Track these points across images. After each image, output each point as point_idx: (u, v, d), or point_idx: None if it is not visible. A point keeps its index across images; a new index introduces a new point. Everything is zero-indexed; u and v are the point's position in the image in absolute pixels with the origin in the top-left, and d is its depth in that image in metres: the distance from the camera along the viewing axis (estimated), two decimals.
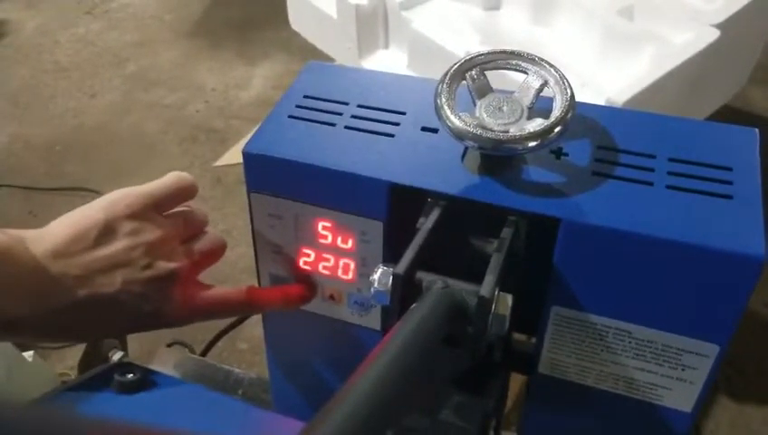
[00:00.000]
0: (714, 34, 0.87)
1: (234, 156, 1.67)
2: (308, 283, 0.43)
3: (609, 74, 0.88)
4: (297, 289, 0.43)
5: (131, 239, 0.36)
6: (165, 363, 0.66)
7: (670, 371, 0.36)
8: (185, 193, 0.40)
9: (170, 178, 0.40)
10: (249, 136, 0.40)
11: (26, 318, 0.33)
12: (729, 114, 1.16)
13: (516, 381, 0.44)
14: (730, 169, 0.35)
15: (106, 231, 0.36)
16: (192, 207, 0.42)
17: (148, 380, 0.36)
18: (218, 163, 1.67)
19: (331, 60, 1.26)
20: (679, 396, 0.36)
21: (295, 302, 0.43)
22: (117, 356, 0.86)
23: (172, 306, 0.38)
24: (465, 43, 0.91)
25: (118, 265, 0.35)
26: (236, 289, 0.41)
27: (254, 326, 0.47)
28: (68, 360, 1.21)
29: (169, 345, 0.97)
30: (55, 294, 0.34)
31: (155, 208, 0.38)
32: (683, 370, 0.35)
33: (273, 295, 0.42)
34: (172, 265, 0.37)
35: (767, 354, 1.22)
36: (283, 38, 1.98)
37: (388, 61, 1.06)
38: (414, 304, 0.30)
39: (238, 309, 0.42)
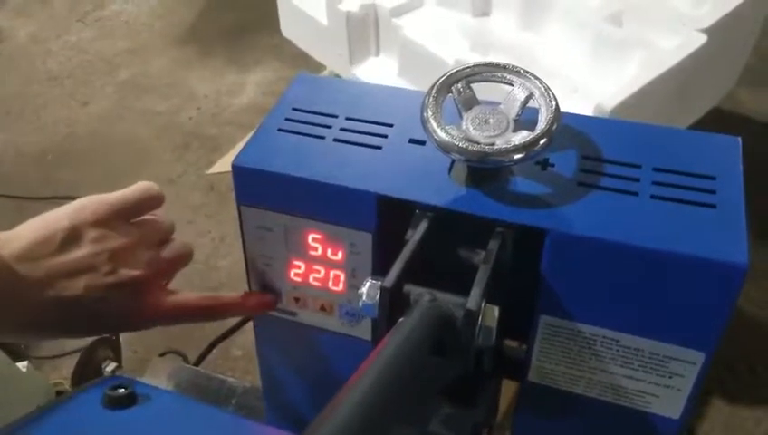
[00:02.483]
0: (702, 39, 0.88)
1: (227, 163, 1.66)
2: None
3: (598, 80, 0.88)
4: (258, 296, 0.44)
5: (96, 246, 0.37)
6: (158, 373, 0.66)
7: (657, 378, 0.36)
8: (151, 202, 0.41)
9: (138, 188, 0.41)
10: (242, 143, 0.40)
11: None
12: (718, 116, 1.17)
13: (509, 387, 0.44)
14: (713, 178, 0.36)
15: (71, 236, 0.37)
16: (158, 215, 0.43)
17: (139, 394, 0.36)
18: (212, 171, 1.67)
19: (323, 67, 1.26)
20: (667, 403, 0.37)
21: (256, 308, 0.44)
22: (110, 367, 0.87)
23: (135, 311, 0.39)
24: (455, 50, 0.92)
25: (81, 270, 0.36)
26: (200, 296, 0.42)
27: (248, 333, 0.48)
28: (62, 370, 1.21)
29: (162, 355, 0.98)
30: (19, 297, 0.35)
31: (121, 216, 0.39)
32: (670, 377, 0.36)
33: (234, 302, 0.44)
34: (135, 272, 0.38)
35: (759, 356, 1.23)
36: (274, 45, 1.99)
37: (379, 68, 1.06)
38: (402, 318, 0.30)
39: (200, 315, 0.42)
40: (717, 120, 1.11)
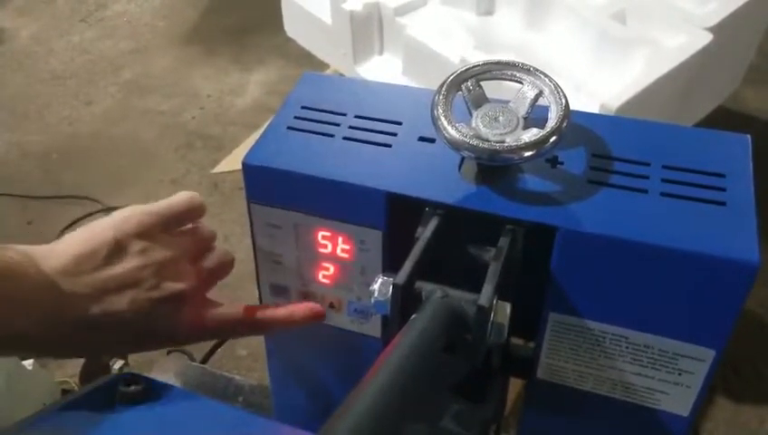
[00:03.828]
0: (707, 38, 0.88)
1: (231, 163, 1.67)
2: (316, 302, 0.43)
3: (603, 79, 0.88)
4: (308, 307, 0.42)
5: (141, 259, 0.36)
6: (165, 372, 0.66)
7: (667, 375, 0.36)
8: (194, 213, 0.40)
9: (180, 198, 0.40)
10: (246, 143, 0.40)
11: (35, 335, 0.33)
12: (722, 115, 1.17)
13: (515, 385, 0.44)
14: (723, 176, 0.36)
15: (116, 250, 0.36)
16: (199, 223, 0.42)
17: (151, 390, 0.36)
18: (216, 170, 1.67)
19: (326, 66, 1.27)
20: (676, 400, 0.37)
21: (305, 320, 0.42)
22: (118, 365, 0.87)
23: (180, 326, 0.38)
24: (459, 49, 0.92)
25: (127, 285, 0.35)
26: (244, 308, 0.41)
27: None
28: (68, 368, 1.21)
29: (169, 353, 0.98)
30: (64, 313, 0.34)
31: (164, 228, 0.38)
32: (679, 374, 0.36)
33: (281, 315, 0.42)
34: (180, 285, 0.37)
35: (764, 355, 1.23)
36: (277, 44, 1.99)
37: (384, 67, 1.06)
38: (414, 315, 0.30)
39: (246, 329, 0.41)
40: (722, 119, 1.11)
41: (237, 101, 1.89)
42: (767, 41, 1.17)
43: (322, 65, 1.28)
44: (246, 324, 0.41)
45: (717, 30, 0.89)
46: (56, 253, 0.35)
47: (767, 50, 1.45)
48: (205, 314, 0.39)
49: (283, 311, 0.42)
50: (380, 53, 1.08)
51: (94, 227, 0.36)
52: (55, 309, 0.33)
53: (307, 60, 1.32)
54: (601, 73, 0.89)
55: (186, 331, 0.38)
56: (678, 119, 0.98)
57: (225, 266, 0.42)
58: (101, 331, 0.35)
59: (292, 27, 1.24)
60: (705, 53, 0.87)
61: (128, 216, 0.37)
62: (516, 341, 0.42)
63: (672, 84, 0.86)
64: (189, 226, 0.41)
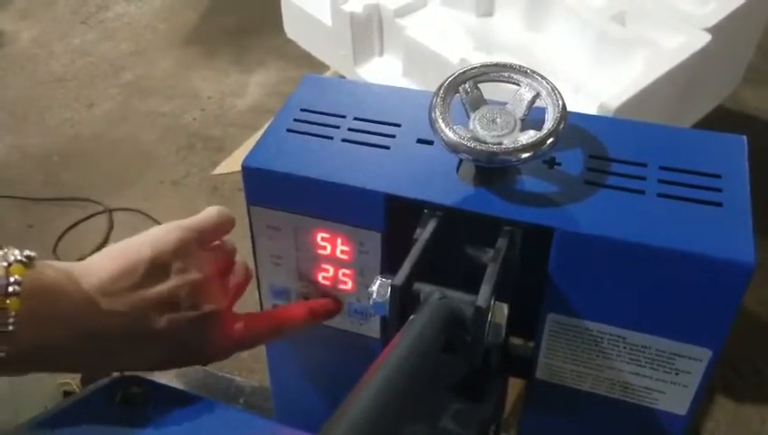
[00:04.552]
0: (705, 38, 0.88)
1: (231, 164, 1.67)
2: (332, 296, 0.43)
3: (602, 79, 0.88)
4: (325, 303, 0.43)
5: (178, 279, 0.36)
6: (167, 373, 0.67)
7: (664, 375, 0.36)
8: (224, 227, 0.40)
9: (212, 213, 0.40)
10: (247, 144, 0.40)
11: (71, 352, 0.33)
12: (722, 115, 1.17)
13: (515, 385, 0.45)
14: (719, 177, 0.36)
15: (154, 268, 0.35)
16: (223, 238, 0.42)
17: (153, 392, 0.36)
18: (217, 171, 1.67)
19: (326, 68, 1.27)
20: (674, 399, 0.37)
21: (324, 316, 0.43)
22: None
23: (212, 344, 0.38)
24: (459, 50, 0.92)
25: (164, 304, 0.35)
26: (267, 315, 0.41)
27: None
28: None
29: None
30: (101, 331, 0.33)
31: (200, 244, 0.38)
32: (677, 374, 0.36)
33: (302, 314, 0.42)
34: (215, 305, 0.37)
35: (763, 354, 1.23)
36: (277, 45, 1.99)
37: (384, 68, 1.06)
38: (412, 316, 0.30)
39: (271, 336, 0.42)
40: (721, 119, 1.11)
41: (238, 103, 1.89)
42: (766, 40, 1.17)
43: (322, 67, 1.28)
44: (271, 331, 0.41)
45: (716, 30, 0.89)
46: (94, 270, 0.34)
47: (766, 49, 1.45)
48: (233, 328, 0.39)
49: (301, 309, 0.42)
50: (381, 54, 1.08)
51: (131, 245, 0.36)
52: (93, 327, 0.33)
53: (307, 61, 1.32)
54: (600, 74, 0.89)
55: (219, 348, 0.38)
56: (677, 119, 0.98)
57: (247, 280, 0.42)
58: (138, 349, 0.35)
59: (291, 29, 1.24)
60: (704, 53, 0.88)
61: (165, 232, 0.37)
62: (516, 340, 0.42)
63: (671, 85, 0.86)
64: (216, 242, 0.41)
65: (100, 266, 0.35)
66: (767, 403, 1.18)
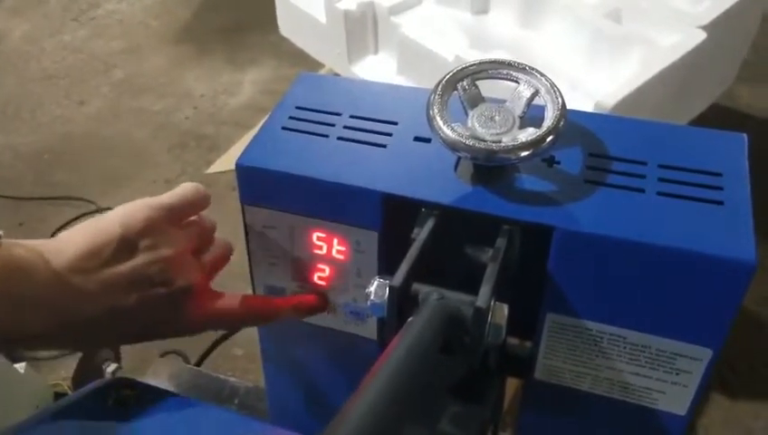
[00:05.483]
0: (701, 36, 0.88)
1: (225, 163, 1.66)
2: (320, 293, 0.43)
3: (597, 77, 0.88)
4: (310, 299, 0.43)
5: (148, 256, 0.36)
6: (159, 374, 0.66)
7: (664, 375, 0.36)
8: (199, 204, 0.40)
9: (186, 190, 0.40)
10: (240, 142, 0.40)
11: (42, 330, 0.33)
12: (717, 113, 1.17)
13: (511, 383, 0.44)
14: (720, 175, 0.36)
15: (124, 246, 0.35)
16: (201, 215, 0.42)
17: (144, 394, 0.35)
18: (210, 170, 1.66)
19: (321, 66, 1.26)
20: (673, 399, 0.37)
21: (308, 311, 0.43)
22: (111, 368, 0.86)
23: (186, 319, 0.38)
24: (453, 48, 0.92)
25: (135, 281, 0.35)
26: (248, 298, 0.41)
27: (249, 333, 0.47)
28: (60, 371, 1.20)
29: (163, 355, 0.97)
30: (72, 309, 0.34)
31: (171, 221, 0.38)
32: (677, 374, 0.36)
33: (285, 304, 0.42)
34: (187, 280, 0.37)
35: (759, 351, 1.24)
36: (271, 43, 1.98)
37: (378, 66, 1.06)
38: (411, 318, 0.30)
39: (248, 320, 0.42)
40: (716, 117, 1.11)
41: (231, 101, 1.88)
42: (761, 38, 1.17)
43: (317, 65, 1.28)
44: (248, 315, 0.41)
45: (711, 28, 0.89)
46: (63, 249, 0.34)
47: (760, 47, 1.45)
48: (208, 305, 0.39)
49: (282, 301, 0.42)
50: (375, 52, 1.08)
51: (100, 223, 0.36)
52: (65, 305, 0.33)
53: (301, 59, 1.31)
54: (596, 72, 0.89)
55: (191, 323, 0.38)
56: (673, 117, 0.98)
57: (226, 256, 0.42)
58: (109, 326, 0.35)
59: (286, 26, 1.24)
60: (699, 51, 0.87)
61: (134, 210, 0.37)
62: (512, 340, 0.42)
63: (667, 83, 0.86)
64: (193, 218, 0.41)
65: (69, 245, 0.35)
66: (761, 400, 1.19)
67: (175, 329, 0.38)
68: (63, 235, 0.36)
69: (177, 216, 0.39)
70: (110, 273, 0.35)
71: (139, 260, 0.35)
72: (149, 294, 0.36)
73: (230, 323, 0.40)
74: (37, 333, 0.33)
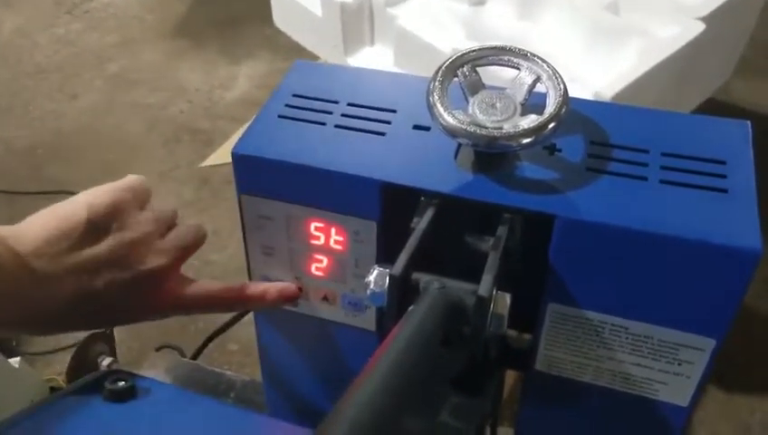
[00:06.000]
0: (699, 28, 0.88)
1: (220, 156, 1.65)
2: (294, 281, 0.42)
3: (596, 69, 0.88)
4: (283, 287, 0.42)
5: (115, 239, 0.36)
6: (155, 368, 0.65)
7: (666, 365, 0.36)
8: (148, 192, 0.40)
9: (137, 177, 0.40)
10: (235, 136, 0.39)
11: (9, 316, 0.33)
12: (713, 106, 1.17)
13: (510, 376, 0.44)
14: (724, 163, 0.35)
15: (90, 230, 0.35)
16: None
17: (139, 387, 0.35)
18: (205, 164, 1.65)
19: (317, 58, 1.25)
20: (675, 391, 0.36)
21: (281, 300, 0.42)
22: (106, 362, 0.85)
23: (155, 302, 0.38)
24: (450, 39, 0.91)
25: (103, 265, 0.35)
26: (220, 286, 0.41)
27: (244, 327, 0.47)
28: (55, 365, 1.19)
29: (159, 349, 0.96)
30: (38, 294, 0.33)
31: (135, 203, 0.38)
32: (679, 364, 0.35)
33: (257, 292, 0.42)
34: (155, 263, 0.37)
35: (756, 345, 1.24)
36: (266, 36, 1.97)
37: (375, 58, 1.05)
38: (411, 307, 0.29)
39: (220, 305, 0.41)
40: (713, 111, 1.11)
41: (226, 95, 1.87)
42: (759, 32, 1.17)
43: (313, 57, 1.27)
44: (221, 300, 0.40)
45: (709, 20, 0.89)
46: (27, 234, 0.34)
47: (757, 42, 1.45)
48: (180, 289, 0.39)
49: (255, 289, 0.42)
50: (371, 44, 1.07)
51: (66, 207, 0.36)
52: (29, 291, 0.33)
53: (297, 53, 1.30)
54: (594, 64, 0.88)
55: (162, 306, 0.38)
56: (671, 108, 0.97)
57: (198, 240, 0.41)
58: (77, 310, 0.35)
59: (281, 19, 1.23)
60: (697, 43, 0.87)
61: (100, 193, 0.37)
62: (511, 332, 0.41)
63: (664, 74, 0.85)
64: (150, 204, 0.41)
65: (34, 230, 0.34)
66: (757, 394, 1.19)
67: (147, 313, 0.38)
68: (29, 219, 0.35)
69: (139, 199, 0.39)
70: (77, 257, 0.34)
71: (106, 244, 0.35)
72: (117, 277, 0.35)
73: (202, 308, 0.40)
74: (2, 320, 0.33)
